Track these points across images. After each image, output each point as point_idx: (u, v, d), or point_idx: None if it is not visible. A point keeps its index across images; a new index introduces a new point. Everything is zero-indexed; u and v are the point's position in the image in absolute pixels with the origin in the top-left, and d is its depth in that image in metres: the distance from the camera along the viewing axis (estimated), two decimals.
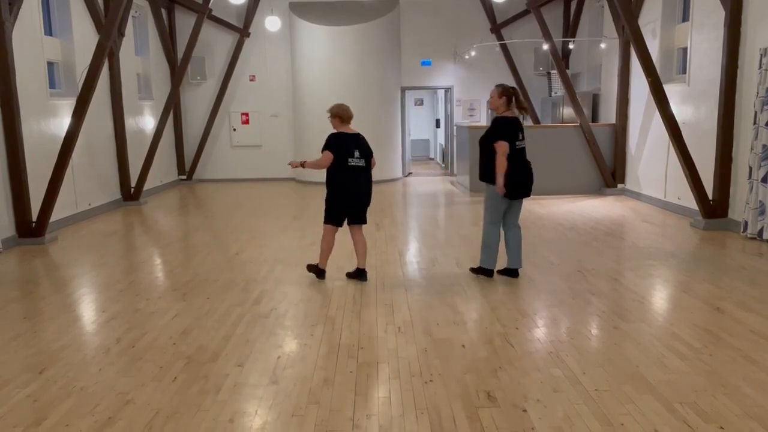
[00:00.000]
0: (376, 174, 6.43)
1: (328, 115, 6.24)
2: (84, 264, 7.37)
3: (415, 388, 3.81)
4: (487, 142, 5.94)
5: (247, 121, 15.75)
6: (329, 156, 6.00)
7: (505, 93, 5.91)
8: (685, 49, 9.82)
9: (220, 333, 4.85)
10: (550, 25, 12.89)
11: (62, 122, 9.42)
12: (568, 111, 12.92)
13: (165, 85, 14.39)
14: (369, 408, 3.59)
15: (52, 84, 9.84)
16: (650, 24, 10.53)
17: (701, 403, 3.55)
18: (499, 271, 6.34)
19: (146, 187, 12.47)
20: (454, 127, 15.39)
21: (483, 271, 6.25)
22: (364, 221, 6.24)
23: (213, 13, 14.53)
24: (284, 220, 10.19)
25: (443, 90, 16.75)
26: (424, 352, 4.38)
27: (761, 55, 7.49)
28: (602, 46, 12.68)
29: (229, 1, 13.64)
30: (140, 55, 13.34)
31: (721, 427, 3.28)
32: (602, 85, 13.10)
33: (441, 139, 18.56)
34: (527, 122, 15.74)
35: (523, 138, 6.01)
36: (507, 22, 15.15)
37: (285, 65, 15.36)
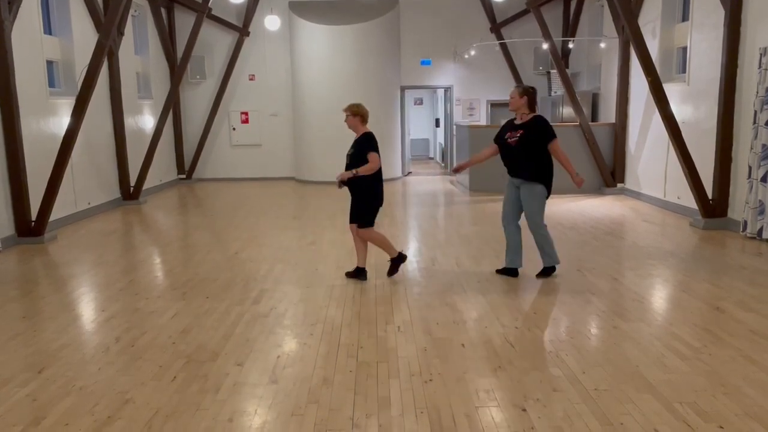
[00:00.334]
0: None
1: (347, 113, 6.05)
2: (83, 263, 7.36)
3: (415, 388, 3.81)
4: (541, 141, 5.89)
5: (246, 121, 15.74)
6: (378, 157, 5.91)
7: (527, 93, 5.94)
8: (684, 49, 9.82)
9: (220, 332, 4.84)
10: (550, 25, 12.88)
11: (62, 121, 9.41)
12: (567, 110, 12.92)
13: (164, 84, 14.38)
14: (368, 407, 3.58)
15: (51, 83, 9.83)
16: (650, 23, 10.53)
17: (701, 402, 3.55)
18: (498, 271, 6.35)
19: (146, 186, 12.47)
20: (454, 127, 15.39)
21: (552, 270, 6.24)
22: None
23: (213, 12, 14.53)
24: (284, 219, 10.19)
25: (443, 89, 16.75)
26: (424, 352, 4.38)
27: (761, 54, 7.49)
28: (602, 45, 12.68)
29: (229, 1, 13.66)
30: (140, 54, 13.33)
31: (721, 427, 3.28)
32: (602, 84, 13.10)
33: (440, 139, 18.57)
34: None
35: None
36: (507, 22, 15.15)
37: (284, 64, 15.35)
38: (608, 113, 12.57)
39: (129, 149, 11.92)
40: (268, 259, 7.28)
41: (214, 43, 15.23)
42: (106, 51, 8.90)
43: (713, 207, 8.55)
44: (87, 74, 8.80)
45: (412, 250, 7.66)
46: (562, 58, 13.88)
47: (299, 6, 14.74)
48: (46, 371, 4.14)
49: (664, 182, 10.31)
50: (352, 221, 6.19)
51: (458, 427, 3.33)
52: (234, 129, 15.78)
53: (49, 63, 9.81)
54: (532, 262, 6.77)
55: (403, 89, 15.60)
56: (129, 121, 12.15)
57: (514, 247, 6.20)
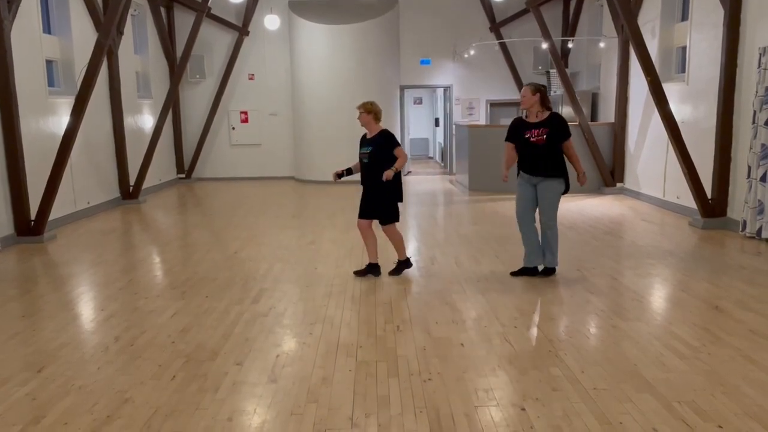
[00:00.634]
0: None
1: (361, 111, 6.12)
2: (83, 262, 7.36)
3: (414, 387, 3.81)
4: (559, 138, 5.91)
5: (246, 120, 15.74)
6: (404, 152, 6.14)
7: (539, 90, 5.95)
8: (684, 48, 9.82)
9: (219, 331, 4.84)
10: (550, 24, 12.89)
11: (61, 121, 9.41)
12: (567, 110, 12.92)
13: (164, 83, 14.38)
14: (368, 407, 3.58)
15: (50, 82, 9.82)
16: (649, 23, 10.53)
17: (700, 401, 3.55)
18: (514, 273, 6.30)
19: (145, 185, 12.47)
20: (453, 126, 15.39)
21: (553, 272, 6.24)
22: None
23: (212, 11, 14.52)
24: (283, 218, 10.19)
25: (442, 89, 16.75)
26: (423, 351, 4.38)
27: (760, 54, 7.49)
28: (601, 45, 12.68)
29: (229, 0, 13.64)
30: (139, 53, 13.33)
31: (720, 426, 3.28)
32: (601, 84, 13.10)
33: (440, 138, 18.56)
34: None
35: None
36: (506, 21, 15.15)
37: (284, 64, 15.35)
38: (608, 113, 12.58)
39: (128, 149, 11.92)
40: (267, 258, 7.28)
41: (214, 42, 15.23)
42: (105, 50, 8.90)
43: (712, 206, 8.55)
44: (86, 73, 8.80)
45: (411, 250, 7.65)
46: (561, 57, 13.88)
47: (299, 5, 14.73)
48: (46, 370, 4.14)
49: (664, 182, 10.31)
50: (363, 217, 6.21)
51: (457, 427, 3.33)
52: (233, 128, 15.78)
53: (49, 62, 9.80)
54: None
55: (402, 89, 15.60)
56: (128, 121, 12.14)
57: (533, 246, 6.17)
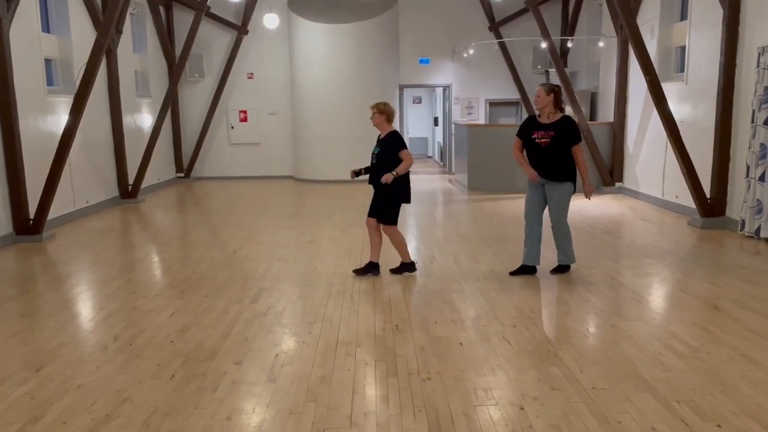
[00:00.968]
0: None
1: (373, 111, 6.15)
2: (81, 261, 7.36)
3: (413, 386, 3.81)
4: (567, 142, 5.89)
5: (245, 119, 15.73)
6: (410, 154, 6.09)
7: (553, 91, 5.91)
8: (683, 48, 9.82)
9: (218, 331, 4.84)
10: (549, 24, 12.90)
11: (60, 119, 9.40)
12: (566, 109, 12.93)
13: (163, 82, 14.37)
14: (367, 406, 3.59)
15: (49, 81, 9.81)
16: (648, 22, 10.54)
17: (699, 401, 3.55)
18: (513, 272, 6.32)
19: (144, 184, 12.46)
20: (453, 126, 15.39)
21: (568, 268, 6.27)
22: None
23: (211, 10, 14.51)
24: (282, 217, 10.19)
25: (441, 88, 16.75)
26: (422, 350, 4.38)
27: (759, 53, 7.49)
28: (600, 44, 12.69)
29: None
30: (138, 52, 13.32)
31: (718, 425, 3.29)
32: (600, 83, 13.10)
33: (439, 138, 18.56)
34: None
35: None
36: (505, 20, 15.16)
37: (283, 63, 15.34)
38: (607, 112, 12.58)
39: (127, 148, 11.91)
40: (266, 257, 7.28)
41: (213, 41, 15.22)
42: (104, 49, 8.89)
43: (711, 206, 8.56)
44: (85, 72, 8.79)
45: (411, 249, 7.63)
46: (560, 57, 13.89)
47: (298, 4, 14.71)
48: (44, 369, 4.14)
49: (663, 181, 10.32)
50: (371, 216, 6.24)
51: (456, 426, 3.33)
52: (232, 127, 15.77)
53: (48, 61, 9.79)
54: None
55: (401, 88, 15.60)
56: (127, 120, 12.13)
57: (533, 245, 6.19)
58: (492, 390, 3.74)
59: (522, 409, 3.50)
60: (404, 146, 6.09)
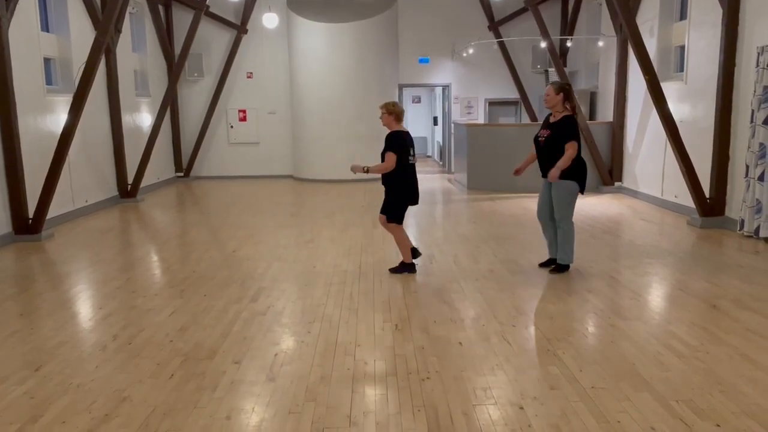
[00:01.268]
0: None
1: (383, 111, 6.17)
2: (80, 261, 7.35)
3: (412, 386, 3.81)
4: (563, 140, 5.89)
5: (244, 119, 15.72)
6: (393, 158, 6.03)
7: (562, 90, 5.90)
8: (682, 47, 9.82)
9: (218, 330, 4.84)
10: (548, 23, 12.89)
11: (59, 119, 9.39)
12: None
13: (162, 81, 14.36)
14: (366, 405, 3.58)
15: (48, 80, 9.81)
16: (648, 22, 10.54)
17: (698, 400, 3.56)
18: (542, 264, 6.48)
19: (143, 184, 12.46)
20: (452, 125, 15.39)
21: (566, 268, 6.30)
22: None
23: (210, 9, 14.50)
24: (281, 217, 10.18)
25: (441, 87, 16.74)
26: (421, 350, 4.38)
27: (759, 53, 7.49)
28: (600, 43, 12.68)
29: None
30: (137, 51, 13.31)
31: (718, 425, 3.29)
32: (600, 82, 13.10)
33: (438, 137, 18.56)
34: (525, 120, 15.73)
35: None
36: (505, 20, 15.15)
37: (283, 62, 15.33)
38: (606, 112, 12.58)
39: (126, 147, 11.90)
40: (265, 257, 7.28)
41: (212, 40, 15.20)
42: (103, 48, 8.88)
43: (711, 205, 8.56)
44: (84, 72, 8.78)
45: None
46: (560, 56, 13.88)
47: (297, 3, 14.71)
48: (44, 369, 4.14)
49: (662, 181, 10.32)
50: (381, 213, 6.33)
51: (455, 426, 3.33)
52: (232, 127, 15.76)
53: (47, 60, 9.78)
54: (529, 259, 6.78)
55: (401, 87, 15.59)
56: (126, 119, 12.12)
57: (550, 240, 6.36)
58: (491, 389, 3.74)
59: (521, 408, 3.50)
60: (392, 149, 6.02)
